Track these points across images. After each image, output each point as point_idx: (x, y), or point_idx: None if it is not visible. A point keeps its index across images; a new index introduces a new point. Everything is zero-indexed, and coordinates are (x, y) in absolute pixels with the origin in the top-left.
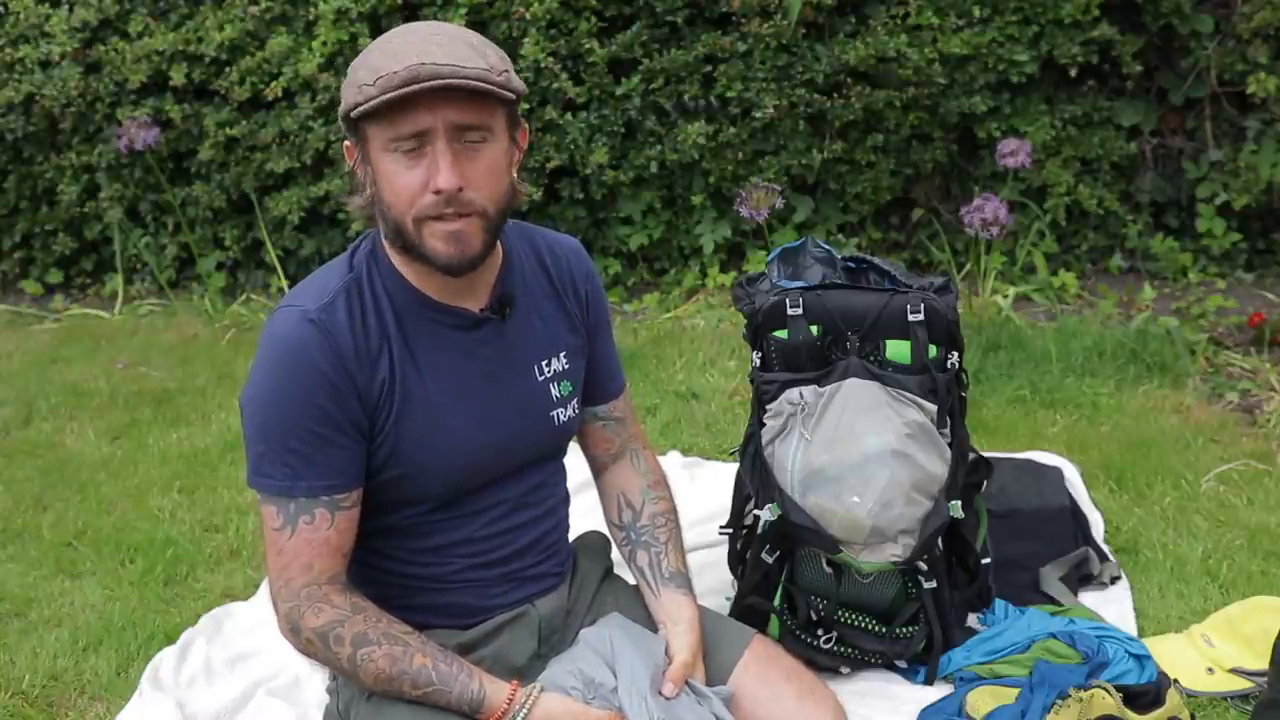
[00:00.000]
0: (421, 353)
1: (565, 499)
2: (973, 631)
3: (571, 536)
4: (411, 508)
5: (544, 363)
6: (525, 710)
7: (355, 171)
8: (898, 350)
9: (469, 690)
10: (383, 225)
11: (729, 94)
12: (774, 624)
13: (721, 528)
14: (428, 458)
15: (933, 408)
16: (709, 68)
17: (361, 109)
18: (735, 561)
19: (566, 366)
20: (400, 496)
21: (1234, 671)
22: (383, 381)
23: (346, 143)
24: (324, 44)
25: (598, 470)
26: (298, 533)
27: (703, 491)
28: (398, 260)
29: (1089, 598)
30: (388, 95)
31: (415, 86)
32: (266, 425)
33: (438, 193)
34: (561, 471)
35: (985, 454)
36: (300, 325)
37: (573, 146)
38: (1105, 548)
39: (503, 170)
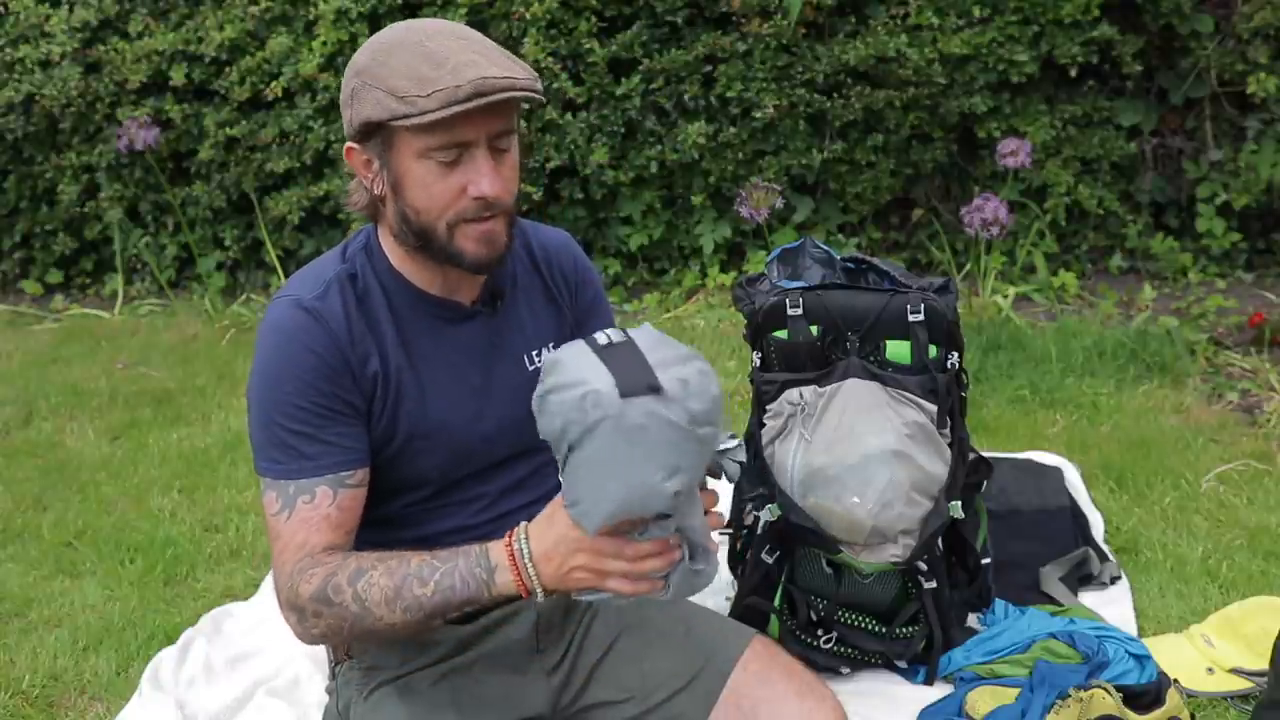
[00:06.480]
0: (414, 344)
1: (558, 488)
2: (973, 631)
3: None
4: (401, 497)
5: (534, 353)
6: (523, 544)
7: (360, 174)
8: (898, 350)
9: (471, 557)
10: (401, 228)
11: (729, 94)
12: (774, 624)
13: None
14: (419, 446)
15: (933, 408)
16: (709, 68)
17: (415, 121)
18: (735, 561)
19: None
20: (390, 485)
21: (1234, 671)
22: (375, 371)
23: (352, 145)
24: (324, 44)
25: None
26: (295, 513)
27: None
28: (395, 257)
29: (1089, 598)
30: (453, 109)
31: (479, 102)
32: (265, 411)
33: (479, 199)
34: (553, 463)
35: (985, 454)
36: (294, 312)
37: (573, 146)
38: (1105, 548)
39: (518, 167)
